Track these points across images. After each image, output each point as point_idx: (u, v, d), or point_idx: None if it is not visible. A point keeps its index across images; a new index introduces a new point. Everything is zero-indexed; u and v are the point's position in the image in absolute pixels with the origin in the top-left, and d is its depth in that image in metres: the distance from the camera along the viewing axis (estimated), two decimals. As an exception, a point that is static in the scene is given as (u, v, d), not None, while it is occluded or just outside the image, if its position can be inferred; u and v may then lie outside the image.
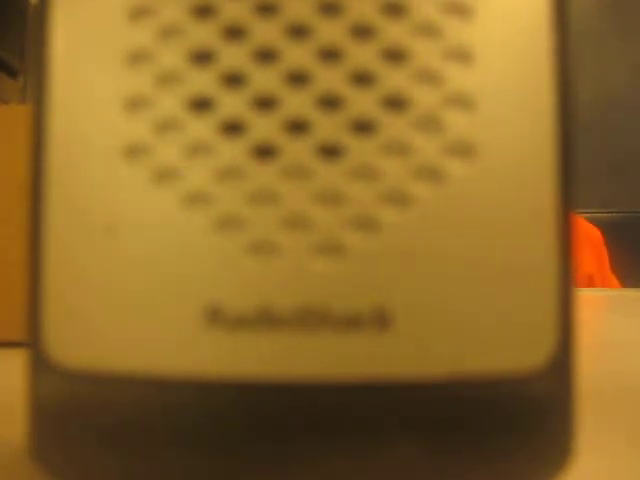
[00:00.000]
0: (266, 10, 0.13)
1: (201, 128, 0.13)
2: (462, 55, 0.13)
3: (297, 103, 0.13)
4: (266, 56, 0.13)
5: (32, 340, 0.13)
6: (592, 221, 1.35)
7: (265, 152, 0.13)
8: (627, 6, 1.88)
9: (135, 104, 0.13)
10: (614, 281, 1.30)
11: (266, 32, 0.13)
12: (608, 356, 0.36)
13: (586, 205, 1.38)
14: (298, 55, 0.13)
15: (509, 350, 0.13)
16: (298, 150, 0.13)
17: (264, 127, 0.13)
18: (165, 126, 0.13)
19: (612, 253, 1.33)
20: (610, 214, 1.54)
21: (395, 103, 0.13)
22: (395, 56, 0.13)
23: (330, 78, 0.13)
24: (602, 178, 1.81)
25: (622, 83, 1.86)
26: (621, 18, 1.88)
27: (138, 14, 0.13)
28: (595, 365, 0.31)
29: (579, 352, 0.14)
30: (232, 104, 0.13)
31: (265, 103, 0.13)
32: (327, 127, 0.13)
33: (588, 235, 1.31)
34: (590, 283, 1.25)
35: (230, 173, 0.13)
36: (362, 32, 0.13)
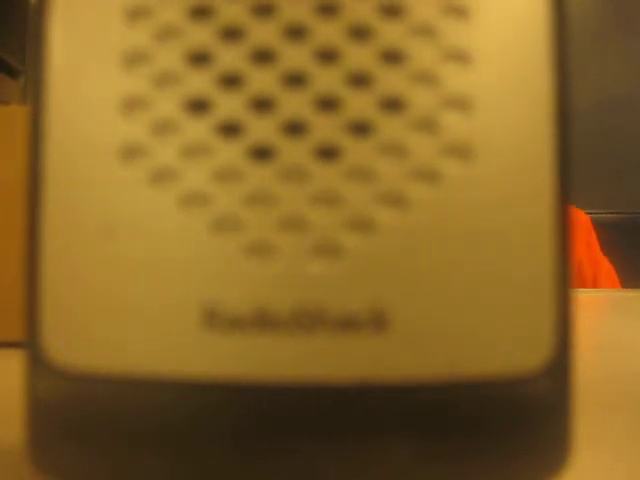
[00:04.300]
0: (263, 11, 0.13)
1: (198, 129, 0.13)
2: (460, 57, 0.13)
3: (294, 104, 0.13)
4: (263, 57, 0.13)
5: (30, 341, 0.14)
6: (593, 222, 1.35)
7: (262, 153, 0.13)
8: (627, 7, 1.88)
9: (132, 105, 0.13)
10: (605, 263, 1.29)
11: (263, 33, 0.13)
12: (608, 357, 0.36)
13: (587, 206, 1.37)
14: (295, 56, 0.13)
15: (507, 351, 0.13)
16: (295, 151, 0.13)
17: (261, 128, 0.13)
18: (162, 127, 0.13)
19: (612, 253, 1.33)
20: (611, 215, 1.54)
21: (393, 105, 0.13)
22: (393, 57, 0.13)
23: (327, 79, 0.13)
24: (603, 179, 1.81)
25: (623, 85, 1.86)
26: (621, 19, 1.88)
27: (136, 15, 0.13)
28: (595, 366, 0.31)
29: (578, 353, 0.14)
30: (229, 105, 0.13)
31: (262, 104, 0.13)
32: (324, 128, 0.13)
33: (575, 220, 1.31)
34: (580, 269, 1.24)
35: (227, 174, 0.13)
36: (360, 33, 0.13)
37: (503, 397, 0.13)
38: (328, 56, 0.13)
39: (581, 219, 1.33)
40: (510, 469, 0.13)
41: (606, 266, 1.29)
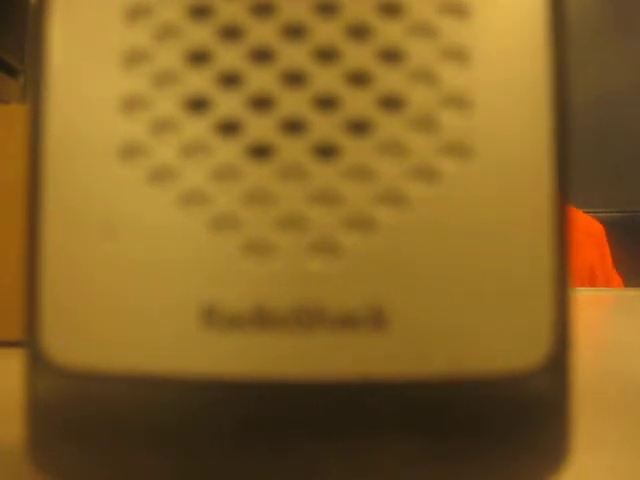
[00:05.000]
0: (262, 10, 0.13)
1: (198, 128, 0.13)
2: (458, 55, 0.13)
3: (293, 103, 0.13)
4: (262, 56, 0.13)
5: (30, 340, 0.14)
6: (593, 220, 1.35)
7: (261, 152, 0.13)
8: (626, 4, 1.88)
9: (132, 104, 0.13)
10: (615, 276, 1.30)
11: (262, 32, 0.13)
12: (610, 355, 0.36)
13: (587, 204, 1.38)
14: (294, 55, 0.13)
15: (506, 349, 0.13)
16: (294, 150, 0.13)
17: (260, 127, 0.13)
18: (162, 126, 0.13)
19: (613, 252, 1.33)
20: (611, 214, 1.54)
21: (391, 103, 0.13)
22: (391, 56, 0.13)
23: (326, 78, 0.13)
24: (602, 178, 1.81)
25: (622, 82, 1.86)
26: (620, 16, 1.88)
27: (135, 14, 0.13)
28: (595, 365, 0.31)
29: (578, 352, 0.14)
30: (228, 104, 0.13)
31: (261, 103, 0.13)
32: (323, 127, 0.13)
33: (590, 229, 1.31)
34: (592, 276, 1.24)
35: (226, 173, 0.13)
36: (358, 32, 0.13)
37: (502, 395, 0.13)
38: (327, 55, 0.13)
39: (596, 228, 1.33)
40: (510, 468, 0.13)
41: (617, 280, 1.29)
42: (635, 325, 0.50)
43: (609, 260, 1.31)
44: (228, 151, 0.13)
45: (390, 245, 0.13)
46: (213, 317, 0.13)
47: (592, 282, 1.24)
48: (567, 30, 0.14)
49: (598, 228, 1.33)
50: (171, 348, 0.13)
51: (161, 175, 0.13)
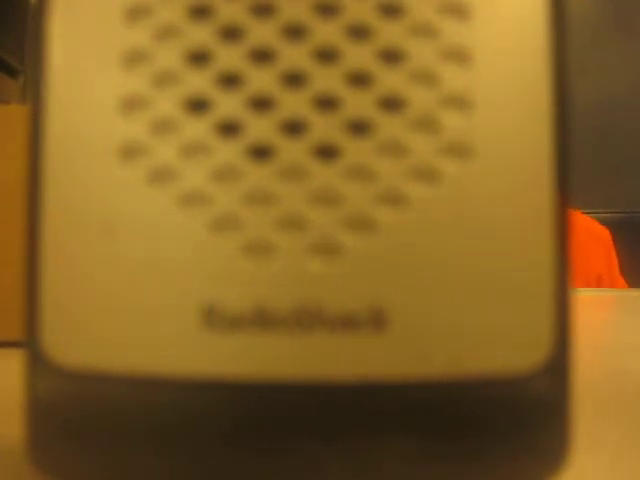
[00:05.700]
0: (263, 11, 0.13)
1: (198, 129, 0.13)
2: (459, 55, 0.13)
3: (293, 104, 0.13)
4: (263, 57, 0.13)
5: (30, 340, 0.14)
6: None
7: (261, 152, 0.13)
8: (627, 6, 1.88)
9: (132, 104, 0.13)
10: (622, 282, 1.30)
11: (263, 33, 0.13)
12: (610, 356, 0.36)
13: (589, 205, 1.38)
14: (295, 56, 0.13)
15: (506, 350, 0.13)
16: (294, 150, 0.13)
17: (260, 127, 0.13)
18: (162, 126, 0.13)
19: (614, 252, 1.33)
20: (612, 214, 1.54)
21: (392, 104, 0.13)
22: (392, 57, 0.13)
23: (326, 79, 0.13)
24: (604, 178, 1.81)
25: (624, 84, 1.86)
26: (621, 17, 1.88)
27: (135, 15, 0.13)
28: (595, 365, 0.31)
29: (578, 352, 0.14)
30: (229, 105, 0.13)
31: (261, 104, 0.13)
32: (323, 128, 0.13)
33: (597, 235, 1.31)
34: (599, 283, 1.24)
35: (226, 173, 0.13)
36: (359, 33, 0.13)
37: (502, 396, 0.13)
38: (327, 55, 0.13)
39: (603, 235, 1.32)
40: (510, 468, 0.13)
41: (622, 284, 1.29)
42: (636, 325, 0.50)
43: (616, 265, 1.31)
44: (228, 151, 0.13)
45: (390, 245, 0.13)
46: (213, 318, 0.13)
47: (598, 287, 1.24)
48: (567, 30, 0.14)
49: (605, 233, 1.33)
50: (171, 348, 0.13)
51: (161, 175, 0.13)
